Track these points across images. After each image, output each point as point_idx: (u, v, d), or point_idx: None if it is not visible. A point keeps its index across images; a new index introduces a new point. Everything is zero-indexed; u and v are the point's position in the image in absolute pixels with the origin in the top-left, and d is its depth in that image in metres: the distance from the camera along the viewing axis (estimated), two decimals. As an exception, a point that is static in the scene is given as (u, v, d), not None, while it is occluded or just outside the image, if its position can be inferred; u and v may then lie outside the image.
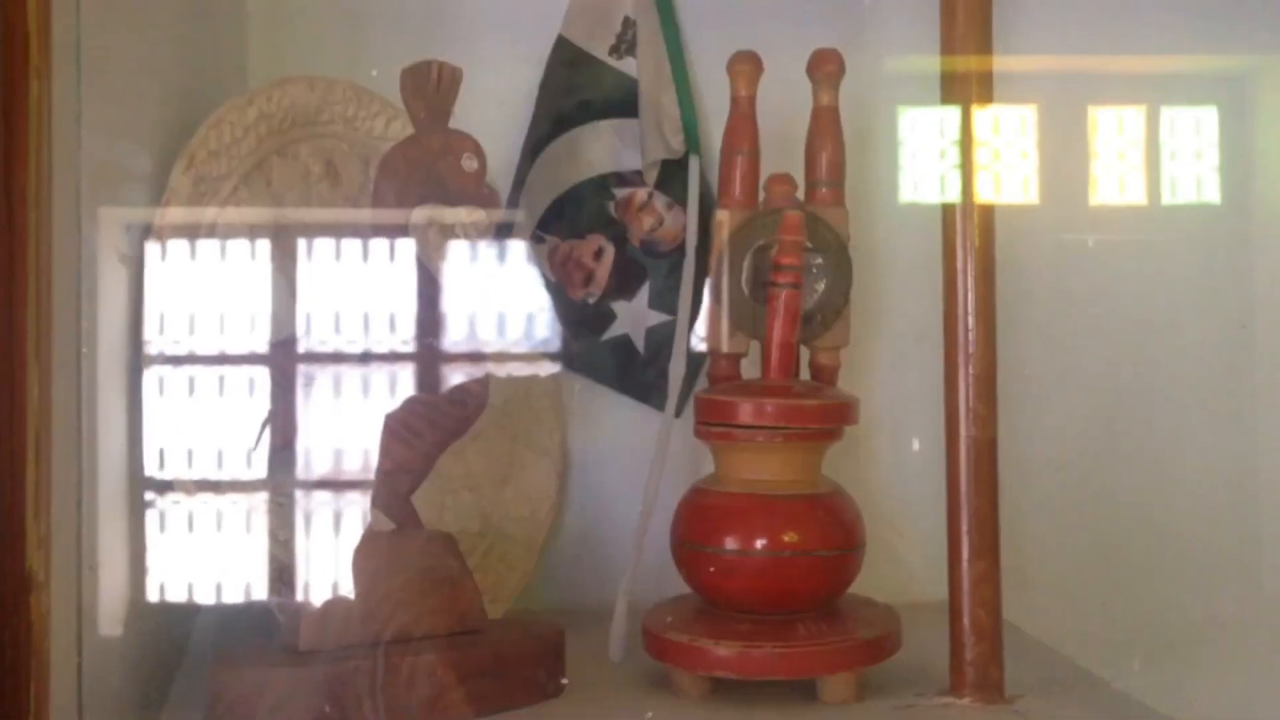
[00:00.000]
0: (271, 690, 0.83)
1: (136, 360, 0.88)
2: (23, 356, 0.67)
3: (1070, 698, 0.92)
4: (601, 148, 1.16)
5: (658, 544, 0.98)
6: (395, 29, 1.15)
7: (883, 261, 1.14)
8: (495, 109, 1.13)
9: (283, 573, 0.93)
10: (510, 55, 1.16)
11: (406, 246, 0.90)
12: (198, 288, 0.92)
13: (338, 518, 0.91)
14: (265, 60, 1.14)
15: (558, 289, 1.16)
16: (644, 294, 1.16)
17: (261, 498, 0.94)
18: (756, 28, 1.12)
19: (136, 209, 0.90)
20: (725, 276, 0.99)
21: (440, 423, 0.92)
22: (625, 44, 1.16)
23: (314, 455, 0.91)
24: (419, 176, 0.90)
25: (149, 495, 0.89)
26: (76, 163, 0.73)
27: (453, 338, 0.93)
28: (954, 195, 0.91)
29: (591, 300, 1.17)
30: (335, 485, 0.92)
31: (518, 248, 1.09)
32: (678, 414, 1.07)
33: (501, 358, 1.00)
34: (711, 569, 0.92)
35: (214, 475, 0.92)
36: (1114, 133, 1.15)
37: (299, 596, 0.91)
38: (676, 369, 1.08)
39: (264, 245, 0.96)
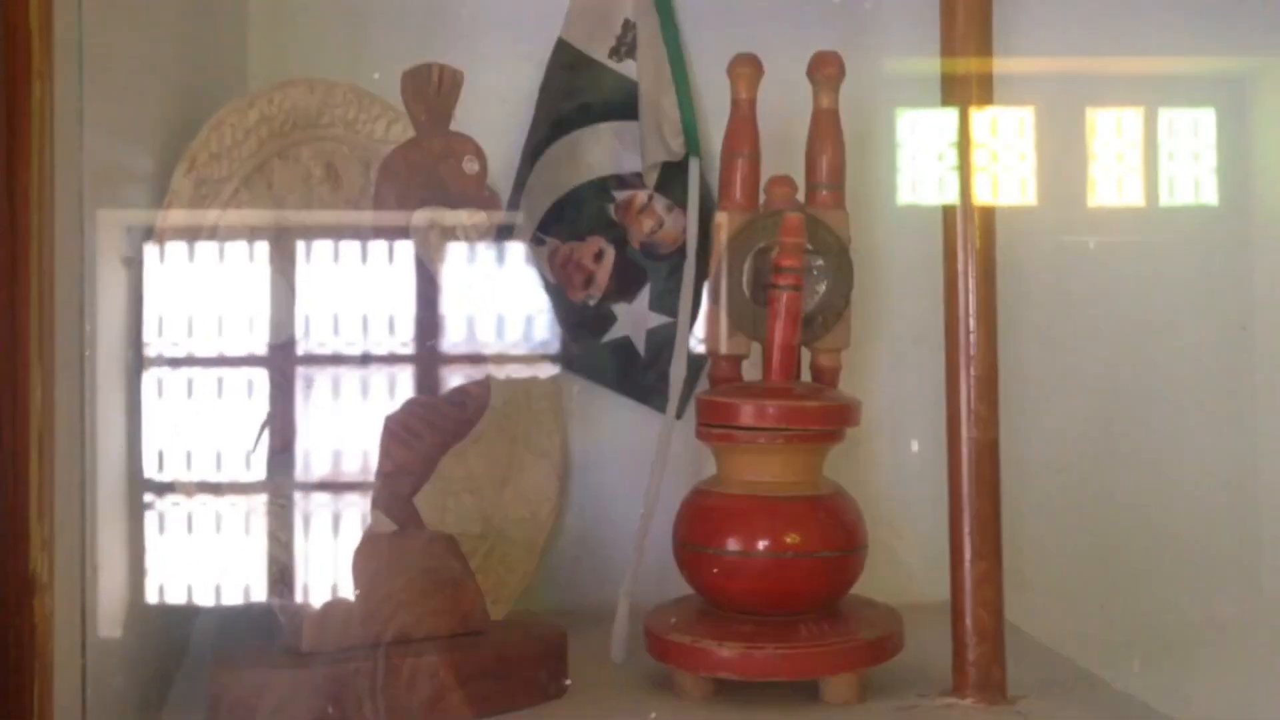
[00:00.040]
0: (272, 692, 0.83)
1: (138, 362, 0.88)
2: (26, 358, 0.67)
3: (1072, 698, 0.92)
4: (602, 150, 1.16)
5: (659, 545, 0.99)
6: (396, 31, 1.15)
7: (883, 263, 1.14)
8: (495, 111, 1.13)
9: (284, 574, 0.93)
10: (510, 58, 1.16)
11: (407, 249, 0.90)
12: (199, 290, 0.92)
13: (339, 519, 0.91)
14: (266, 62, 1.14)
15: (558, 291, 1.16)
16: (644, 296, 1.16)
17: (262, 499, 0.94)
18: (756, 30, 1.12)
19: (138, 211, 0.90)
20: (726, 278, 0.99)
21: (441, 425, 0.92)
22: (625, 46, 1.16)
23: (316, 457, 0.91)
24: (420, 179, 0.90)
25: (151, 497, 0.89)
26: (79, 165, 0.73)
27: (453, 340, 0.93)
28: (954, 197, 0.91)
29: (592, 302, 1.17)
30: (336, 487, 0.92)
31: (518, 250, 1.09)
32: (678, 415, 1.07)
33: (502, 360, 1.00)
34: (714, 570, 0.92)
35: (215, 477, 0.92)
36: (1112, 134, 1.15)
37: (300, 598, 0.91)
38: (677, 371, 1.08)
39: (265, 247, 0.96)
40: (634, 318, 1.17)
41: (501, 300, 1.00)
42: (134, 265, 0.88)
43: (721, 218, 1.00)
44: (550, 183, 1.16)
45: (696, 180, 1.13)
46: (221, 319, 0.93)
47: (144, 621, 0.89)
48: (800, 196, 1.00)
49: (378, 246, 0.92)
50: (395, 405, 0.91)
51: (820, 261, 0.98)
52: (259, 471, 0.92)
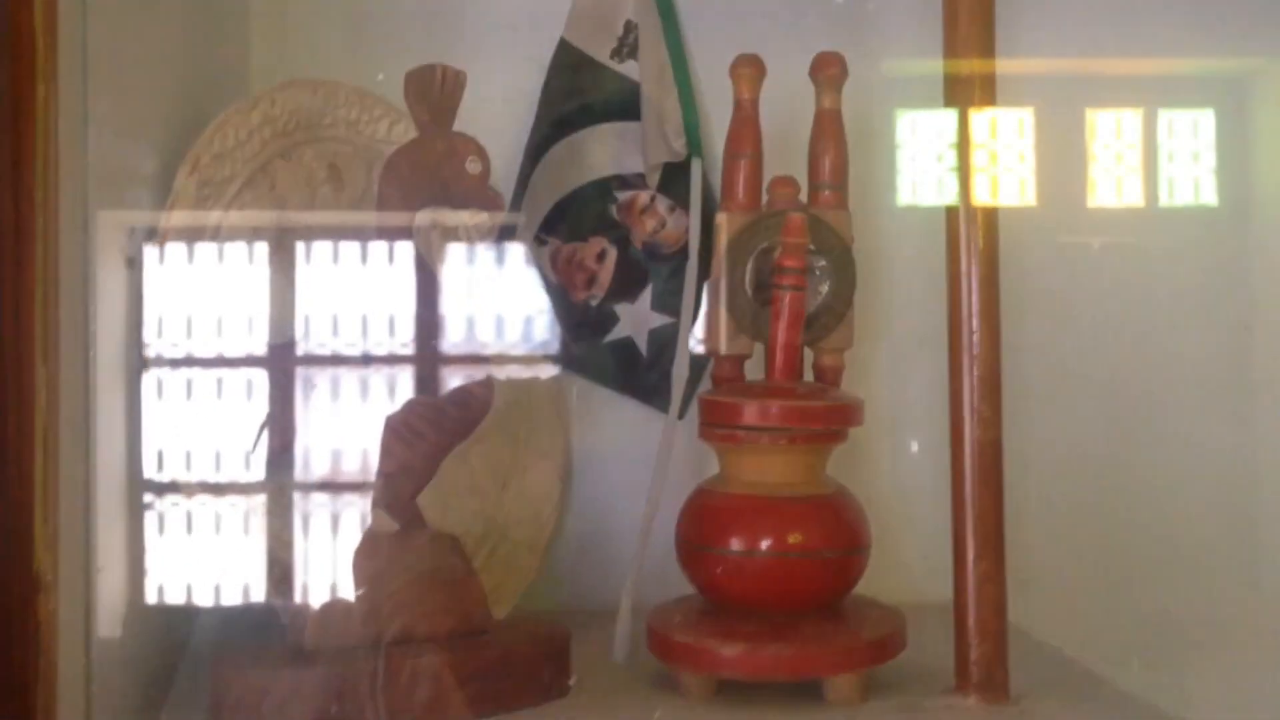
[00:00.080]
0: (276, 691, 0.84)
1: (141, 362, 0.88)
2: (31, 359, 0.67)
3: (1074, 697, 0.93)
4: (604, 151, 1.17)
5: (660, 545, 0.99)
6: (398, 32, 1.15)
7: (886, 264, 1.14)
8: (498, 112, 1.13)
9: (287, 574, 0.93)
10: (512, 58, 1.16)
11: (410, 249, 0.90)
12: (203, 290, 0.92)
13: (342, 519, 0.91)
14: (268, 63, 1.14)
15: (560, 291, 1.16)
16: (646, 296, 1.17)
17: (264, 499, 0.94)
18: (758, 30, 1.12)
19: (142, 212, 0.90)
20: (728, 279, 0.99)
21: (444, 425, 0.92)
22: (627, 47, 1.16)
23: (320, 457, 0.91)
24: (423, 179, 0.91)
25: (153, 497, 0.89)
26: (83, 166, 0.73)
27: (456, 340, 0.93)
28: (956, 197, 0.91)
29: (594, 302, 1.17)
30: (339, 487, 0.92)
31: (520, 250, 1.09)
32: (680, 416, 1.08)
33: (504, 360, 1.00)
34: (717, 570, 0.92)
35: (217, 477, 0.92)
36: (1112, 135, 1.15)
37: (303, 597, 0.91)
38: (679, 371, 1.08)
39: (268, 248, 0.96)
40: (636, 318, 1.17)
41: (504, 301, 1.00)
42: (138, 266, 0.88)
43: (723, 218, 1.01)
44: (552, 183, 1.16)
45: (699, 180, 1.13)
46: (225, 320, 0.93)
47: (146, 621, 0.89)
48: (803, 197, 1.01)
49: (380, 247, 0.92)
50: (398, 405, 0.91)
51: (823, 262, 0.98)
52: (261, 471, 0.92)
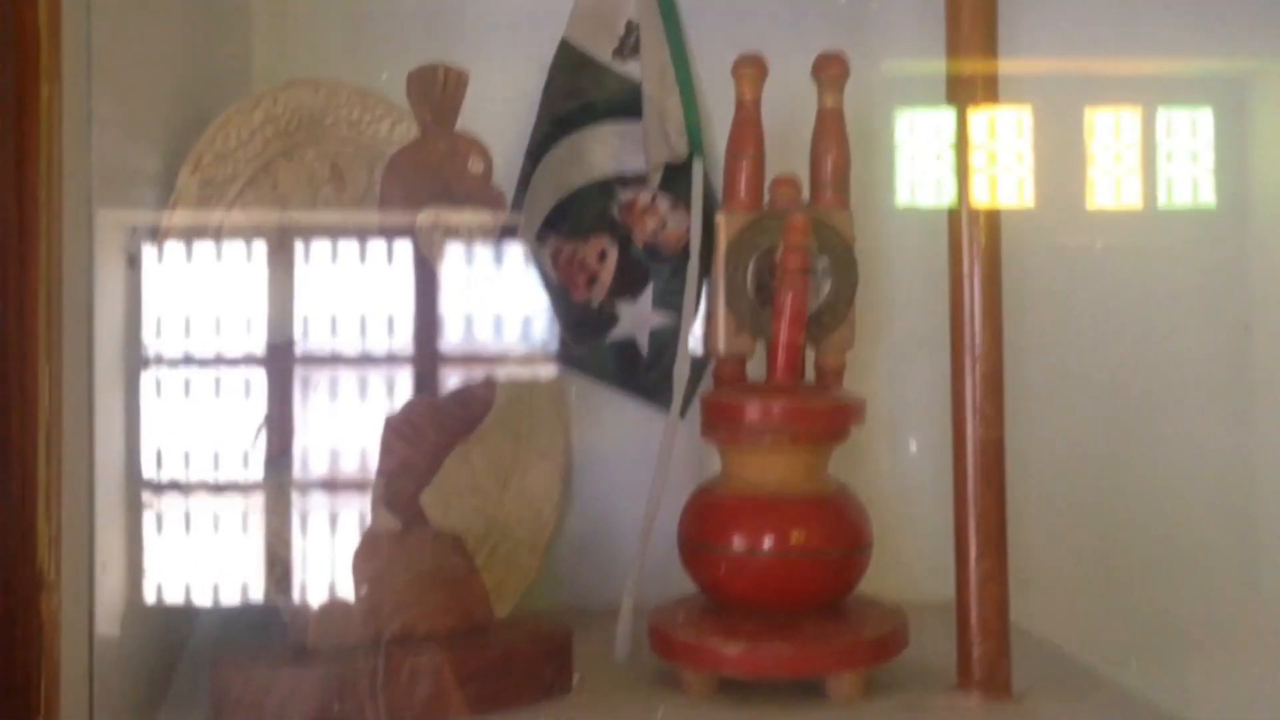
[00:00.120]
0: (278, 689, 0.84)
1: (144, 361, 0.88)
2: (34, 358, 0.67)
3: (1076, 696, 0.93)
4: (605, 150, 1.16)
5: (662, 544, 0.99)
6: (399, 32, 1.15)
7: (887, 263, 1.14)
8: (499, 112, 1.13)
9: (288, 572, 0.93)
10: (514, 58, 1.16)
11: (412, 249, 0.91)
12: (205, 290, 0.93)
13: (345, 518, 0.92)
14: (270, 62, 1.14)
15: (561, 291, 1.16)
16: (648, 296, 1.16)
17: (267, 498, 0.94)
18: (760, 30, 1.12)
19: (144, 211, 0.90)
20: (730, 278, 0.99)
21: (446, 424, 0.92)
22: (629, 47, 1.16)
23: (326, 456, 0.92)
24: (425, 179, 0.91)
25: (156, 496, 0.89)
26: (87, 165, 0.73)
27: (458, 340, 0.93)
28: (962, 197, 0.91)
29: (595, 302, 1.17)
30: (342, 486, 0.92)
31: (522, 250, 1.09)
32: (682, 415, 1.08)
33: (505, 359, 1.00)
34: (719, 569, 0.92)
35: (220, 477, 0.92)
36: (1110, 134, 1.15)
37: (306, 596, 0.91)
38: (681, 370, 1.08)
39: (270, 248, 0.96)
40: (637, 317, 1.17)
41: (505, 300, 1.00)
42: (140, 265, 0.88)
43: (725, 218, 1.01)
44: (554, 183, 1.16)
45: (700, 180, 1.13)
46: (227, 319, 0.93)
47: (148, 619, 0.90)
48: (804, 196, 1.01)
49: (383, 247, 0.92)
50: (400, 405, 0.91)
51: (825, 261, 0.98)
52: (263, 470, 0.93)
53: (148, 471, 0.89)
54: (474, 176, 0.92)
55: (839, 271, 0.99)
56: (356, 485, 0.92)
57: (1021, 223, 0.97)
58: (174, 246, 0.92)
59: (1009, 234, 0.92)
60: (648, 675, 0.95)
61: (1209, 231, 1.21)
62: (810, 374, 1.00)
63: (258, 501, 0.94)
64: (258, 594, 0.93)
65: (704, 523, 0.94)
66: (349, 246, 0.95)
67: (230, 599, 0.93)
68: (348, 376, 0.93)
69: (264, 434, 0.92)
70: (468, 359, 0.94)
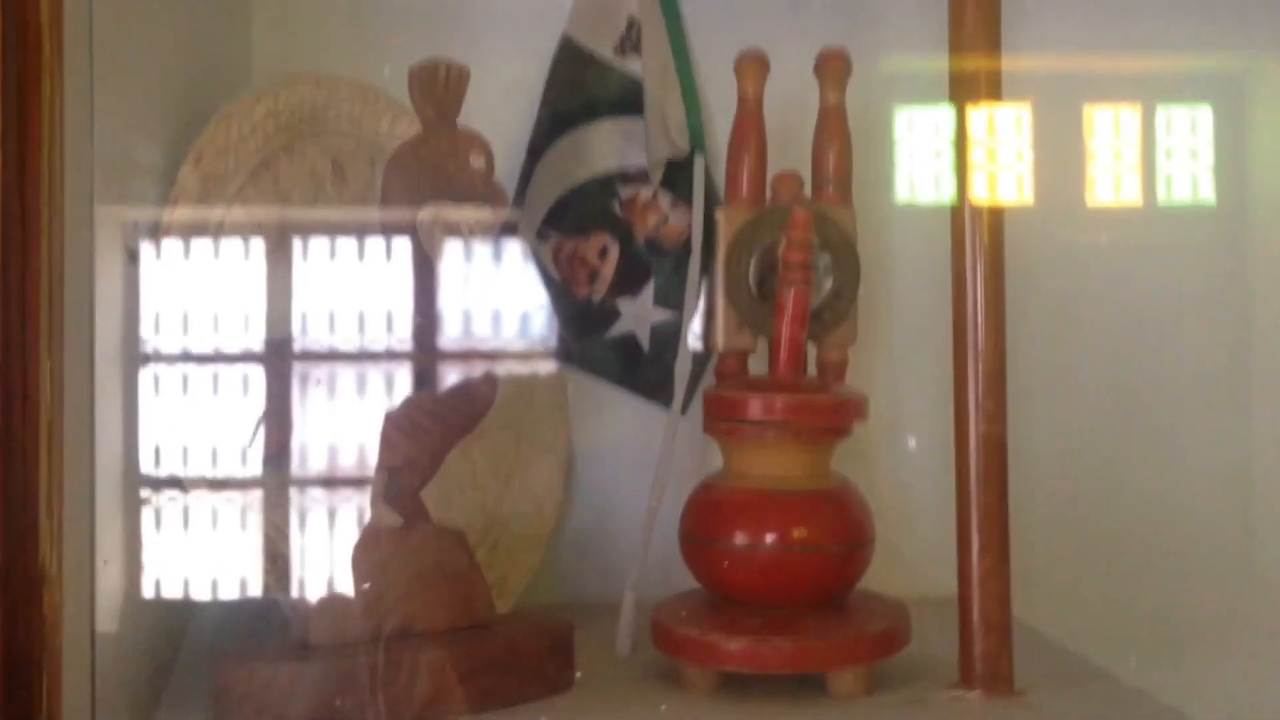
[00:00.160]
0: (280, 685, 0.84)
1: (145, 357, 0.88)
2: (35, 353, 0.67)
3: (1079, 691, 0.93)
4: (606, 147, 1.16)
5: (663, 540, 0.99)
6: (400, 27, 1.15)
7: (889, 259, 1.14)
8: (500, 108, 1.13)
9: (291, 568, 0.93)
10: (515, 54, 1.16)
11: (413, 245, 0.91)
12: (207, 285, 0.92)
13: (349, 513, 0.92)
14: (271, 58, 1.14)
15: (562, 287, 1.16)
16: (649, 292, 1.17)
17: (269, 495, 0.94)
18: (762, 26, 1.12)
19: (145, 206, 0.90)
20: (732, 274, 0.99)
21: (447, 420, 0.92)
22: (630, 43, 1.16)
23: (328, 452, 0.92)
24: (427, 175, 0.91)
25: (158, 492, 0.89)
26: (89, 160, 0.73)
27: (459, 336, 0.93)
28: (962, 194, 0.91)
29: (596, 298, 1.17)
30: (345, 482, 0.92)
31: (523, 246, 1.09)
32: (683, 411, 1.08)
33: (506, 356, 1.00)
34: (721, 564, 0.92)
35: (223, 473, 0.92)
36: (1110, 131, 1.15)
37: (308, 592, 0.91)
38: (682, 366, 1.08)
39: (271, 243, 0.96)
40: (639, 313, 1.17)
41: (507, 296, 1.00)
42: (141, 260, 0.88)
43: (727, 213, 1.01)
44: (555, 179, 1.16)
45: (701, 176, 1.13)
46: (228, 315, 0.93)
47: (149, 614, 0.90)
48: (806, 193, 1.01)
49: (384, 243, 0.92)
50: (401, 401, 0.91)
51: (827, 257, 0.98)
52: (265, 466, 0.92)
53: (148, 467, 0.89)
54: (475, 172, 0.92)
55: (841, 268, 0.99)
56: (359, 481, 0.92)
57: (1022, 220, 0.97)
58: (175, 242, 0.91)
59: (1009, 231, 0.92)
60: (649, 671, 0.95)
61: (1208, 228, 1.21)
62: (812, 370, 1.00)
63: (258, 497, 0.93)
64: (257, 589, 0.93)
65: (706, 518, 0.94)
66: (350, 243, 0.95)
67: (230, 594, 0.93)
68: (350, 372, 0.93)
69: (264, 430, 0.92)
70: (469, 355, 0.94)
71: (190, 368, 0.91)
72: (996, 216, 0.91)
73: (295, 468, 0.93)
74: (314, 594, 0.90)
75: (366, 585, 0.88)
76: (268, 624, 0.92)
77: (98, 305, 0.76)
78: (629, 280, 1.17)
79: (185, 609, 0.97)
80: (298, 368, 0.94)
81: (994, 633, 0.89)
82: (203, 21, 1.07)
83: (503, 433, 1.10)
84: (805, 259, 0.94)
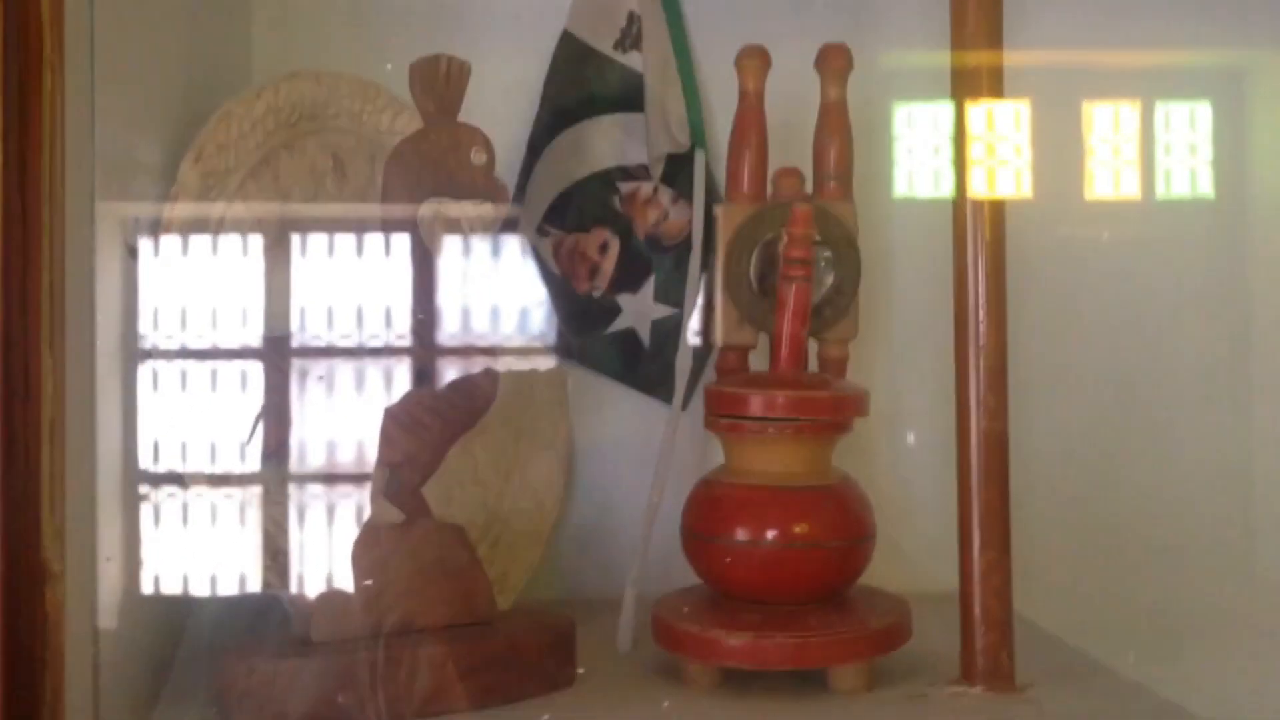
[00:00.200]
0: (283, 681, 0.84)
1: (147, 354, 0.88)
2: (37, 349, 0.67)
3: (1079, 686, 0.93)
4: (606, 142, 1.16)
5: (664, 536, 0.99)
6: (400, 23, 1.15)
7: (890, 255, 1.14)
8: (500, 103, 1.13)
9: (291, 564, 0.93)
10: (515, 50, 1.16)
11: (414, 241, 0.90)
12: (208, 282, 0.92)
13: (351, 510, 0.92)
14: (271, 54, 1.14)
15: (563, 283, 1.16)
16: (649, 287, 1.17)
17: (270, 491, 0.94)
18: (763, 22, 1.12)
19: (146, 203, 0.90)
20: (733, 270, 0.99)
21: (449, 415, 0.92)
22: (630, 38, 1.16)
23: (333, 448, 0.92)
24: (428, 170, 0.91)
25: (160, 489, 0.89)
26: (90, 157, 0.73)
27: (460, 331, 0.93)
28: (963, 189, 0.91)
29: (597, 294, 1.17)
30: (348, 478, 0.92)
31: (523, 242, 1.09)
32: (684, 406, 1.08)
33: (507, 351, 1.00)
34: (723, 560, 0.92)
35: (225, 469, 0.92)
36: (1109, 127, 1.15)
37: (310, 588, 0.91)
38: (682, 362, 1.08)
39: (273, 239, 0.96)
40: (639, 309, 1.17)
41: (507, 292, 1.00)
42: (142, 256, 0.88)
43: (728, 209, 1.01)
44: (555, 174, 1.16)
45: (701, 172, 1.13)
46: (229, 311, 0.93)
47: (151, 610, 0.90)
48: (807, 188, 1.01)
49: (386, 239, 0.92)
50: (402, 397, 0.91)
51: (828, 253, 0.99)
52: (268, 463, 0.93)
53: (149, 463, 0.89)
54: (476, 168, 0.91)
55: (842, 263, 0.99)
56: (359, 477, 0.92)
57: (1022, 215, 0.97)
58: (176, 238, 0.91)
59: (1009, 226, 0.92)
60: (650, 666, 0.95)
61: (1208, 223, 1.21)
62: (813, 366, 1.00)
63: (259, 493, 0.94)
64: (257, 586, 0.93)
65: (707, 514, 0.94)
66: (351, 238, 0.95)
67: (230, 590, 0.93)
68: (352, 368, 0.93)
69: (263, 427, 0.92)
70: (469, 351, 0.94)
71: (191, 364, 0.91)
72: (998, 211, 0.91)
73: (296, 464, 0.93)
74: (315, 590, 0.90)
75: (367, 581, 0.88)
76: (268, 620, 0.92)
77: (99, 302, 0.76)
78: (629, 276, 1.17)
79: (185, 605, 0.97)
80: (299, 364, 0.94)
81: (995, 628, 0.89)
82: (203, 19, 1.07)
83: (503, 429, 1.10)
84: (806, 255, 0.94)
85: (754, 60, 1.01)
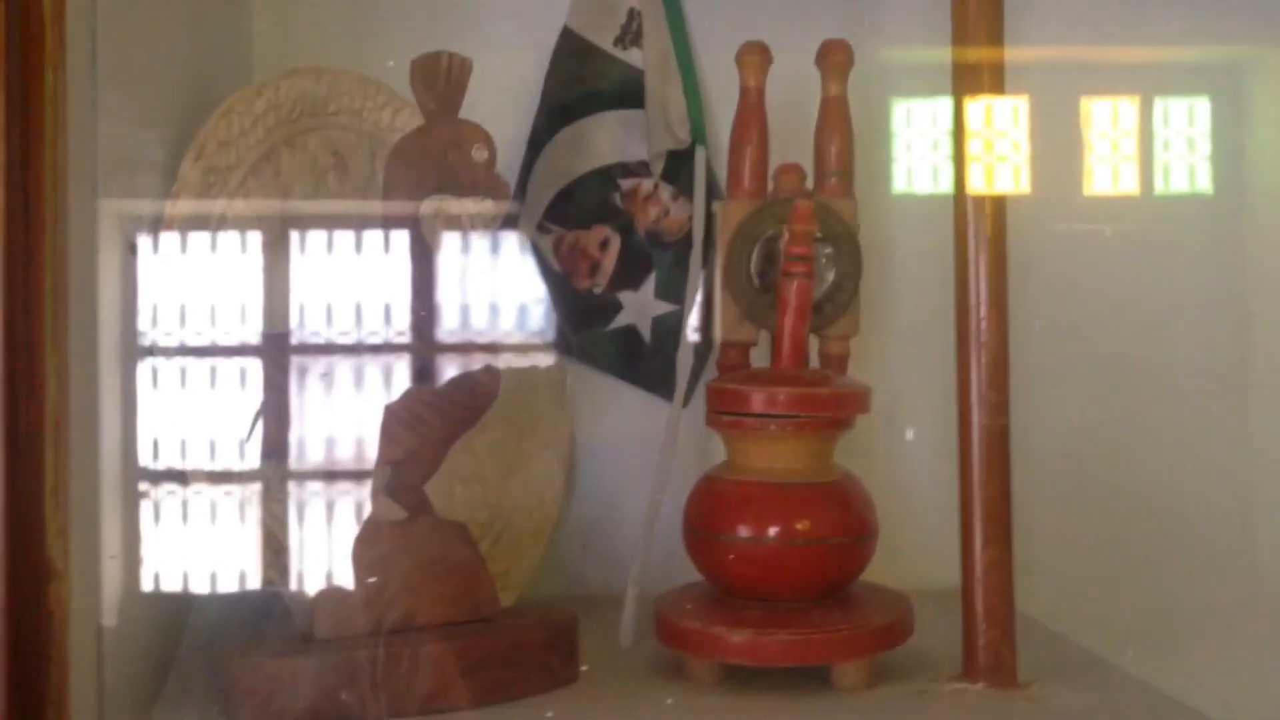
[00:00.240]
0: (287, 679, 0.84)
1: (149, 351, 0.88)
2: (40, 347, 0.67)
3: (1081, 682, 0.93)
4: (607, 138, 1.16)
5: (666, 533, 0.99)
6: (401, 19, 1.15)
7: (892, 251, 1.14)
8: (501, 100, 1.13)
9: (293, 562, 0.93)
10: (516, 46, 1.16)
11: (415, 238, 0.90)
12: (209, 279, 0.92)
13: (354, 507, 0.92)
14: (272, 51, 1.14)
15: (563, 279, 1.16)
16: (650, 284, 1.17)
17: (271, 488, 0.94)
18: (763, 18, 1.12)
19: (147, 200, 0.90)
20: (734, 266, 0.99)
21: (451, 413, 0.92)
22: (630, 35, 1.16)
23: (338, 445, 0.92)
24: (429, 167, 0.91)
25: (161, 485, 0.89)
26: (93, 154, 0.73)
27: (461, 328, 0.93)
28: (964, 185, 0.91)
29: (597, 290, 1.17)
30: (352, 475, 0.92)
31: (524, 239, 1.09)
32: (685, 403, 1.08)
33: (508, 348, 1.00)
34: (725, 557, 0.92)
35: (228, 466, 0.92)
36: (1108, 123, 1.16)
37: (311, 586, 0.91)
38: (683, 358, 1.08)
39: (274, 236, 0.96)
40: (640, 306, 1.17)
41: (508, 289, 1.00)
42: (144, 254, 0.88)
43: (729, 206, 1.01)
44: (556, 171, 1.16)
45: (702, 168, 1.13)
46: (231, 308, 0.93)
47: (155, 608, 0.90)
48: (808, 184, 1.01)
49: (387, 235, 0.92)
50: (403, 394, 0.91)
51: (829, 249, 0.99)
52: (267, 459, 0.92)
53: (150, 461, 0.88)
54: (477, 165, 0.91)
55: (843, 259, 0.99)
56: (361, 475, 0.92)
57: (1021, 211, 0.97)
58: (178, 235, 0.91)
59: (1011, 222, 0.92)
60: (653, 663, 0.95)
61: (1206, 218, 1.21)
62: (814, 362, 1.00)
63: (260, 491, 0.93)
64: (259, 582, 0.93)
65: (709, 511, 0.94)
66: (352, 235, 0.95)
67: (232, 587, 0.93)
68: (352, 365, 0.93)
69: (263, 425, 0.92)
70: (470, 348, 0.94)
71: (192, 361, 0.91)
72: (999, 207, 0.91)
73: (297, 461, 0.93)
74: (316, 587, 0.90)
75: (369, 579, 0.88)
76: (269, 617, 0.92)
77: (101, 300, 0.76)
78: (630, 272, 1.17)
79: (186, 602, 0.97)
80: (300, 361, 0.94)
81: (997, 624, 0.89)
82: (204, 17, 1.07)
83: (505, 426, 1.10)
84: (807, 251, 0.94)
85: (754, 56, 1.01)
